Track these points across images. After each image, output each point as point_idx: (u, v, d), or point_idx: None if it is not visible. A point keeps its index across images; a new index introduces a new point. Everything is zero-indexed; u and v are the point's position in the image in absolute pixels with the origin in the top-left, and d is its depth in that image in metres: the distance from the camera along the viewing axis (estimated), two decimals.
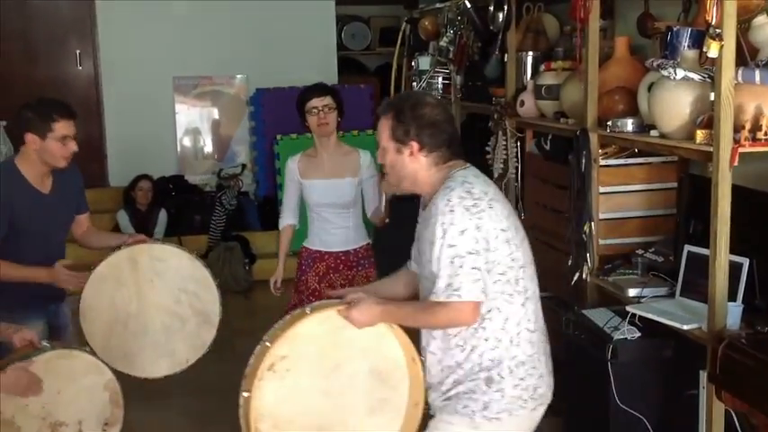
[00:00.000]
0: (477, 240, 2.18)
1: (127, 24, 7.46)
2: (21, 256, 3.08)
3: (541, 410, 2.38)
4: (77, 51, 7.58)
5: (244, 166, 7.81)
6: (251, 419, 2.26)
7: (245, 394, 2.27)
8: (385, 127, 2.31)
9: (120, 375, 2.85)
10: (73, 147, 3.15)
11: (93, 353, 2.81)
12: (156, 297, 3.28)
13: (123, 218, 6.78)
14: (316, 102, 3.74)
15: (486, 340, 2.27)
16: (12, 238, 3.09)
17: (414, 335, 2.41)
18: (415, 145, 2.29)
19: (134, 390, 2.98)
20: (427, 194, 2.35)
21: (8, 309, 2.89)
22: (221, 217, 7.18)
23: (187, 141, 7.91)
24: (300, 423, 2.34)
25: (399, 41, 6.47)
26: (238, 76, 7.88)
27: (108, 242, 3.42)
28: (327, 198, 3.77)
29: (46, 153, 3.12)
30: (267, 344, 2.30)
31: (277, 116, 7.41)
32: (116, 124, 7.64)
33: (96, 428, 2.68)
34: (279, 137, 7.27)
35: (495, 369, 2.27)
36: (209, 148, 7.98)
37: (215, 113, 7.95)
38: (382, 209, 3.70)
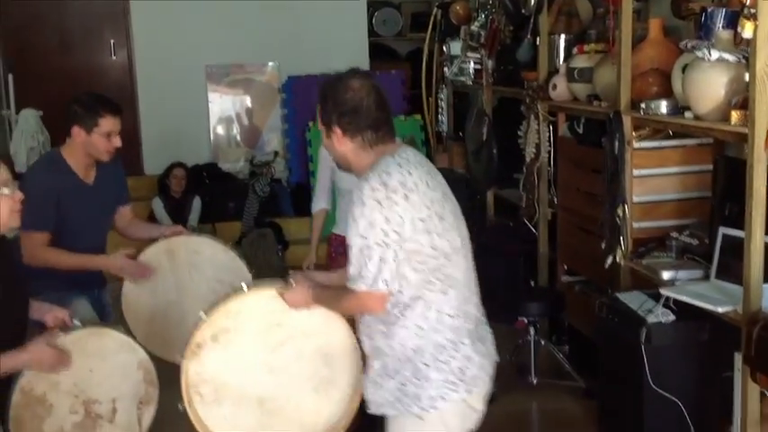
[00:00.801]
0: (387, 233, 2.18)
1: (160, 13, 7.51)
2: (64, 245, 3.15)
3: (478, 394, 2.33)
4: (111, 41, 7.66)
5: (276, 153, 7.85)
6: (186, 382, 2.42)
7: (178, 358, 2.46)
8: (318, 111, 2.36)
9: (159, 363, 2.85)
10: (117, 142, 3.21)
11: (126, 332, 2.83)
12: (194, 287, 3.33)
13: (158, 205, 6.85)
14: None
15: (407, 329, 2.27)
16: (56, 228, 3.16)
17: None
18: (337, 130, 2.31)
19: (172, 377, 3.02)
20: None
21: (54, 289, 2.96)
22: (254, 204, 7.23)
23: (220, 129, 7.97)
24: (242, 393, 2.45)
25: (430, 27, 6.47)
26: (270, 63, 7.91)
27: (148, 233, 3.49)
28: (351, 184, 3.79)
29: (91, 146, 3.19)
30: (203, 317, 2.45)
31: (309, 103, 7.43)
32: (150, 113, 7.72)
33: (131, 407, 2.69)
34: (311, 124, 7.30)
35: (418, 358, 2.27)
36: (241, 135, 8.03)
37: (247, 101, 8.00)
38: None
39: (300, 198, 7.42)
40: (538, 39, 4.81)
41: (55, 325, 2.66)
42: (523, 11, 4.76)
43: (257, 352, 2.46)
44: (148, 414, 2.70)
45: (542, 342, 4.36)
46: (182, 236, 3.38)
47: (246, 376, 2.47)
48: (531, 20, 4.76)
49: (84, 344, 2.65)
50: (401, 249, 2.19)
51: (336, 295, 2.38)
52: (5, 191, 2.37)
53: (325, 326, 2.46)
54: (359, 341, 2.43)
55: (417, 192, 2.22)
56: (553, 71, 4.66)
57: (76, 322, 2.71)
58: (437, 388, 2.25)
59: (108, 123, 3.17)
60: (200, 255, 3.35)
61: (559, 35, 4.76)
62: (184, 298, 3.34)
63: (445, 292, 2.27)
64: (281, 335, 2.47)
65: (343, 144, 2.32)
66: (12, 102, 6.75)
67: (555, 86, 4.50)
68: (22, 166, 5.96)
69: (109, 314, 3.42)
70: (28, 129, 6.40)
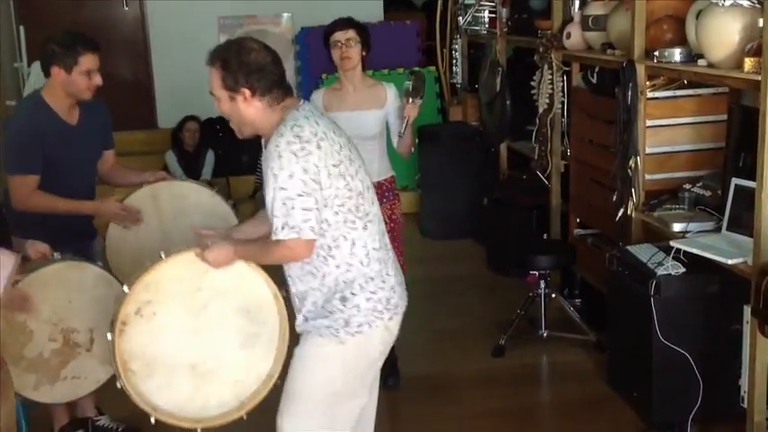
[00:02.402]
0: (306, 183, 2.28)
1: None
2: (52, 189, 3.14)
3: (397, 320, 2.51)
4: None
5: None
6: (118, 361, 2.44)
7: (108, 336, 2.46)
8: (215, 77, 2.36)
9: None
10: (97, 80, 3.18)
11: (104, 268, 2.92)
12: (179, 234, 3.31)
13: (171, 159, 6.84)
14: (338, 35, 3.67)
15: (338, 267, 2.41)
16: (46, 173, 3.14)
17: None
18: (246, 91, 2.35)
19: None
20: (268, 136, 2.40)
21: (44, 239, 2.96)
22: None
23: None
24: (173, 362, 2.50)
25: None
26: (284, 14, 7.81)
27: (131, 179, 3.45)
28: (351, 130, 3.71)
29: (72, 86, 3.15)
30: (126, 290, 2.47)
31: (322, 55, 7.33)
32: (163, 66, 7.67)
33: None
34: (324, 76, 7.21)
35: (347, 289, 2.42)
36: None
37: None
38: (405, 136, 3.65)
39: None
40: None
41: (36, 258, 2.74)
42: None
43: (181, 318, 2.50)
44: None
45: (553, 295, 4.33)
46: (165, 181, 3.35)
47: (174, 344, 2.50)
48: None
49: (64, 275, 2.76)
50: (320, 196, 2.32)
51: (262, 247, 2.44)
52: None
53: (242, 282, 2.51)
54: (286, 289, 2.52)
55: (327, 139, 2.34)
56: (567, 20, 4.55)
57: (57, 255, 2.81)
58: (365, 315, 2.42)
59: (87, 61, 3.13)
60: (186, 200, 3.32)
61: None
62: (169, 244, 3.31)
63: (366, 227, 2.43)
64: (203, 298, 2.51)
65: (252, 104, 2.36)
66: (24, 54, 6.71)
67: (569, 35, 4.40)
68: None
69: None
70: (40, 81, 6.35)
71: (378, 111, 3.70)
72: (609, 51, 4.05)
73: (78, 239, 3.25)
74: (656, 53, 3.52)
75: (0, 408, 2.23)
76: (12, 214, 3.04)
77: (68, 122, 3.23)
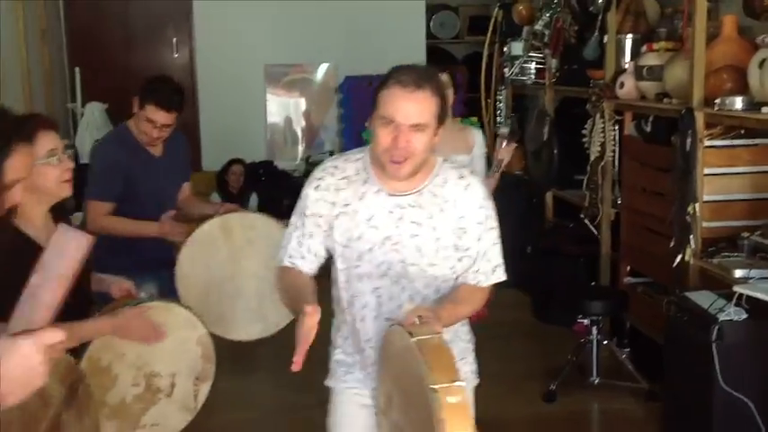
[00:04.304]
0: None
1: (222, 13, 7.61)
2: (134, 217, 3.22)
3: None
4: (174, 39, 7.79)
5: (332, 152, 7.89)
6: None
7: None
8: (430, 104, 2.06)
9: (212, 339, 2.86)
10: (155, 133, 3.26)
11: (187, 308, 2.81)
12: (248, 263, 3.37)
13: (216, 201, 6.94)
14: None
15: None
16: (128, 202, 3.22)
17: None
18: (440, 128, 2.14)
19: (224, 353, 3.04)
20: (412, 181, 2.17)
21: (124, 269, 2.99)
22: None
23: (277, 128, 8.04)
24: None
25: (491, 28, 6.46)
26: (328, 63, 7.96)
27: (204, 210, 3.53)
28: None
29: (137, 121, 3.28)
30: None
31: (365, 104, 7.38)
32: (209, 111, 7.82)
33: (188, 383, 2.67)
34: (367, 124, 7.30)
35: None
36: (298, 134, 8.10)
37: (304, 101, 8.06)
38: (493, 179, 3.69)
39: None
40: (605, 37, 4.77)
41: (120, 296, 2.64)
42: (591, 8, 4.73)
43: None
44: (204, 390, 2.69)
45: (605, 342, 4.31)
46: (237, 212, 3.43)
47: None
48: (600, 18, 4.73)
49: (150, 316, 2.61)
50: None
51: (466, 300, 2.23)
52: (53, 160, 2.32)
53: None
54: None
55: None
56: (620, 70, 4.61)
57: (142, 294, 2.71)
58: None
59: (151, 112, 3.22)
60: (255, 231, 3.38)
61: (626, 34, 4.73)
62: (239, 274, 3.39)
63: None
64: None
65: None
66: (78, 95, 6.88)
67: (622, 85, 4.46)
68: (87, 157, 6.08)
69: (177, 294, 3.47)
70: (93, 121, 6.52)
71: (466, 156, 3.73)
72: (665, 100, 4.09)
73: (156, 268, 3.30)
74: (717, 101, 3.56)
75: (83, 420, 2.20)
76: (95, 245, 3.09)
77: (152, 154, 3.34)
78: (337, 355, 2.36)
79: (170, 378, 2.67)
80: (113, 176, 3.22)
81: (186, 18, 7.72)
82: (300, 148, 8.07)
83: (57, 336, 1.27)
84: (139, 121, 3.27)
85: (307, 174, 7.69)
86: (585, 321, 4.50)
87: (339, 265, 2.23)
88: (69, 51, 7.43)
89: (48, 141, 2.30)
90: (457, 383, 1.73)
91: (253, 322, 3.42)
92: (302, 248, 2.23)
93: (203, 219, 3.40)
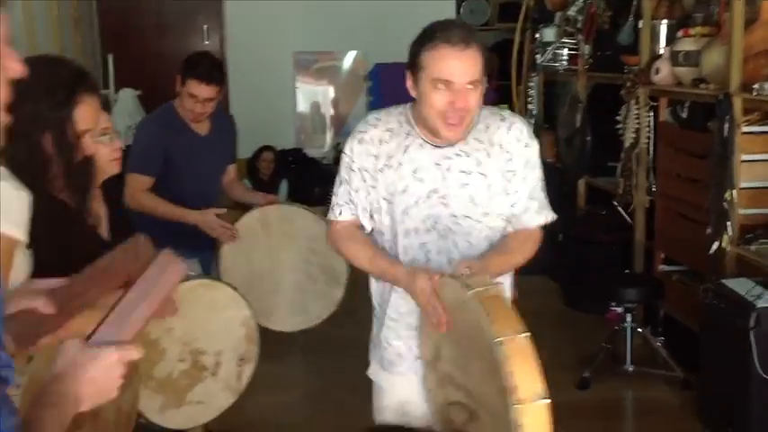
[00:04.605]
0: None
1: (252, 0, 7.63)
2: (174, 196, 3.24)
3: None
4: (205, 27, 7.82)
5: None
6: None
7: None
8: (477, 60, 2.02)
9: None
10: (199, 108, 3.27)
11: (234, 288, 2.81)
12: (287, 256, 3.41)
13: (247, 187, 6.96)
14: None
15: None
16: (171, 180, 3.24)
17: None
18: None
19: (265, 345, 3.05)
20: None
21: (167, 245, 3.00)
22: None
23: (306, 115, 8.06)
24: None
25: (522, 14, 6.41)
26: (357, 51, 7.96)
27: (245, 197, 3.56)
28: None
29: (181, 99, 3.30)
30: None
31: (394, 91, 7.39)
32: (239, 98, 7.84)
33: (232, 363, 2.68)
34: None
35: None
36: (327, 122, 8.11)
37: (333, 88, 8.07)
38: None
39: None
40: (640, 22, 4.72)
41: None
42: None
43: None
44: (247, 372, 2.70)
45: (639, 329, 4.28)
46: (275, 205, 3.45)
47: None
48: (634, 3, 4.67)
49: (197, 294, 2.64)
50: None
51: (517, 249, 2.17)
52: (104, 139, 2.35)
53: None
54: None
55: None
56: (655, 55, 4.56)
57: (190, 272, 2.68)
58: None
59: (192, 86, 3.23)
60: (293, 223, 3.41)
61: (661, 20, 4.67)
62: (278, 266, 3.43)
63: None
64: None
65: None
66: (111, 81, 6.93)
67: (658, 70, 4.41)
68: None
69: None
70: (126, 108, 6.57)
71: None
72: (702, 86, 4.05)
73: (200, 248, 3.32)
74: (756, 86, 3.52)
75: (125, 392, 2.22)
76: (141, 220, 3.12)
77: (197, 132, 3.35)
78: (387, 339, 2.27)
79: (215, 356, 2.67)
80: (154, 153, 3.24)
81: (217, 6, 7.75)
82: (329, 136, 8.09)
83: (137, 354, 1.31)
84: (183, 99, 3.27)
85: (336, 161, 7.74)
86: (618, 309, 4.47)
87: (384, 220, 2.17)
88: (102, 38, 7.49)
89: (101, 120, 2.36)
90: (522, 335, 1.70)
91: (293, 314, 3.45)
92: (354, 203, 2.18)
93: (244, 209, 3.42)
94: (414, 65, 2.04)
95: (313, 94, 8.06)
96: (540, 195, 2.20)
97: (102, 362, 1.26)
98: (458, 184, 2.12)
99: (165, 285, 1.43)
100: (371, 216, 2.19)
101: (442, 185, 2.12)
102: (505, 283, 2.24)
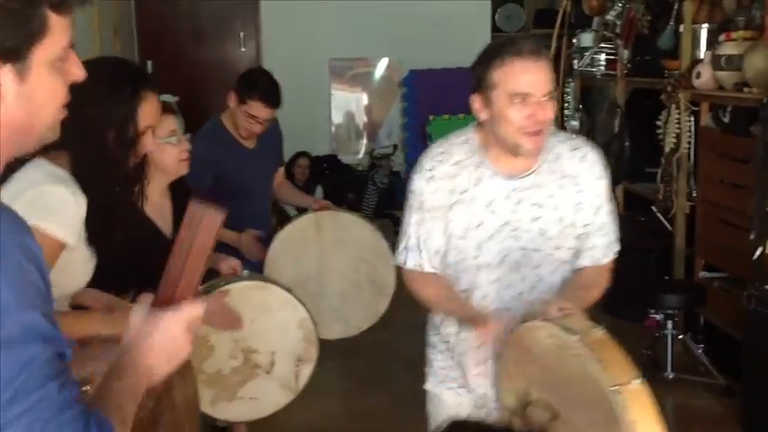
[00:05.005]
0: None
1: (288, 7, 7.68)
2: (230, 212, 3.21)
3: None
4: (241, 34, 7.88)
5: (395, 146, 7.92)
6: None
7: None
8: (549, 71, 1.98)
9: None
10: (256, 129, 3.27)
11: (288, 289, 2.82)
12: (337, 263, 3.36)
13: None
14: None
15: None
16: (219, 194, 3.22)
17: None
18: None
19: None
20: (527, 161, 2.07)
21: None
22: (373, 195, 7.30)
23: (341, 121, 8.09)
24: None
25: (559, 19, 6.38)
26: (392, 57, 7.97)
27: (296, 200, 3.54)
28: None
29: (236, 116, 3.27)
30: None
31: (429, 97, 7.46)
32: None
33: (289, 363, 2.71)
34: (431, 117, 7.31)
35: None
36: (360, 128, 8.13)
37: (368, 94, 8.09)
38: None
39: None
40: (681, 27, 4.69)
41: (227, 272, 2.71)
42: None
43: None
44: (305, 372, 2.72)
45: (680, 336, 4.23)
46: (330, 210, 3.40)
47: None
48: (675, 7, 4.64)
49: (249, 294, 2.68)
50: None
51: (591, 282, 2.09)
52: (172, 140, 2.44)
53: None
54: None
55: None
56: (696, 60, 4.52)
57: (245, 272, 2.77)
58: None
59: (255, 108, 3.21)
60: (347, 231, 3.36)
61: (701, 24, 4.63)
62: (325, 272, 3.37)
63: None
64: None
65: None
66: None
67: (699, 75, 4.37)
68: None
69: None
70: None
71: None
72: (745, 90, 4.00)
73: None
74: None
75: (186, 380, 2.24)
76: None
77: (246, 146, 3.32)
78: (440, 360, 2.26)
79: (269, 355, 2.70)
80: (204, 172, 3.16)
81: (253, 13, 7.81)
82: (363, 142, 8.10)
83: (196, 309, 1.31)
84: (238, 116, 3.23)
85: (371, 167, 7.78)
86: (658, 316, 4.42)
87: (450, 258, 2.09)
88: (140, 45, 7.58)
89: (169, 122, 2.43)
90: (637, 380, 1.62)
91: (334, 322, 3.38)
92: (428, 248, 2.09)
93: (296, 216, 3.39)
94: (481, 86, 1.97)
95: (347, 101, 8.09)
96: (611, 230, 2.12)
97: (165, 327, 1.28)
98: (529, 217, 2.05)
99: (203, 237, 1.40)
100: (445, 254, 2.10)
101: (514, 218, 2.05)
102: None
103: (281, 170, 3.58)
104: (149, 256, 2.27)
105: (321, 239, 3.35)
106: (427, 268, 2.11)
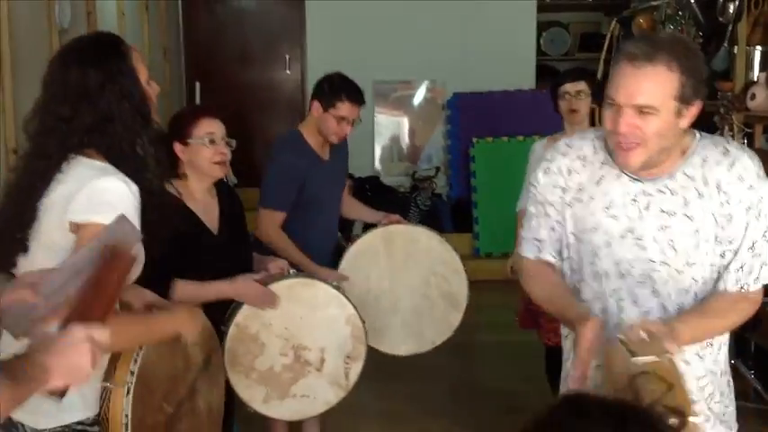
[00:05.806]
0: None
1: (333, 30, 7.75)
2: (305, 225, 3.23)
3: None
4: (287, 56, 7.97)
5: (438, 168, 7.92)
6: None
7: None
8: (665, 79, 1.75)
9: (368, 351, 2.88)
10: (347, 129, 3.29)
11: (336, 287, 2.84)
12: (408, 277, 3.35)
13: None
14: (568, 87, 3.53)
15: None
16: (295, 206, 3.22)
17: None
18: (698, 105, 1.81)
19: (379, 365, 3.06)
20: (662, 163, 1.88)
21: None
22: (416, 217, 7.29)
23: (384, 143, 8.11)
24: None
25: (608, 42, 6.35)
26: (436, 80, 7.99)
27: (364, 215, 3.54)
28: None
29: (322, 123, 3.27)
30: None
31: (473, 120, 7.47)
32: None
33: (339, 360, 2.73)
34: (475, 140, 7.32)
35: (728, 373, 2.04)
36: (404, 150, 8.15)
37: (412, 117, 8.11)
38: None
39: (460, 213, 7.44)
40: (735, 48, 4.65)
41: (275, 272, 2.75)
42: (721, 19, 4.61)
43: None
44: (355, 369, 2.73)
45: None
46: (400, 225, 3.39)
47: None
48: (729, 29, 4.60)
49: (296, 291, 2.72)
50: None
51: (716, 312, 1.89)
52: (206, 141, 2.50)
53: None
54: None
55: None
56: (750, 81, 4.48)
57: (293, 271, 2.82)
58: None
59: (345, 109, 3.24)
60: (417, 245, 3.35)
61: (754, 46, 4.59)
62: (397, 286, 3.35)
63: None
64: None
65: (685, 125, 1.84)
66: None
67: (753, 96, 4.32)
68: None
69: None
70: None
71: None
72: None
73: (328, 256, 3.34)
74: None
75: (213, 390, 2.25)
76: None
77: (322, 158, 3.33)
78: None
79: (319, 352, 2.73)
80: (290, 185, 3.19)
81: (299, 36, 7.90)
82: (406, 164, 8.11)
83: (102, 334, 1.42)
84: (327, 123, 3.24)
85: (413, 189, 7.77)
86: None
87: (573, 259, 1.98)
88: (188, 68, 7.70)
89: (207, 125, 2.50)
90: (690, 417, 1.47)
91: (407, 338, 3.37)
92: (538, 241, 2.00)
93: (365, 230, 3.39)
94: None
95: (391, 123, 8.12)
96: (765, 251, 1.87)
97: (69, 338, 1.38)
98: (656, 225, 1.86)
99: (106, 274, 1.53)
100: (560, 253, 2.00)
101: (639, 225, 1.87)
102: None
103: (348, 183, 3.58)
104: (192, 249, 2.31)
105: (391, 254, 3.34)
106: (546, 257, 1.99)
